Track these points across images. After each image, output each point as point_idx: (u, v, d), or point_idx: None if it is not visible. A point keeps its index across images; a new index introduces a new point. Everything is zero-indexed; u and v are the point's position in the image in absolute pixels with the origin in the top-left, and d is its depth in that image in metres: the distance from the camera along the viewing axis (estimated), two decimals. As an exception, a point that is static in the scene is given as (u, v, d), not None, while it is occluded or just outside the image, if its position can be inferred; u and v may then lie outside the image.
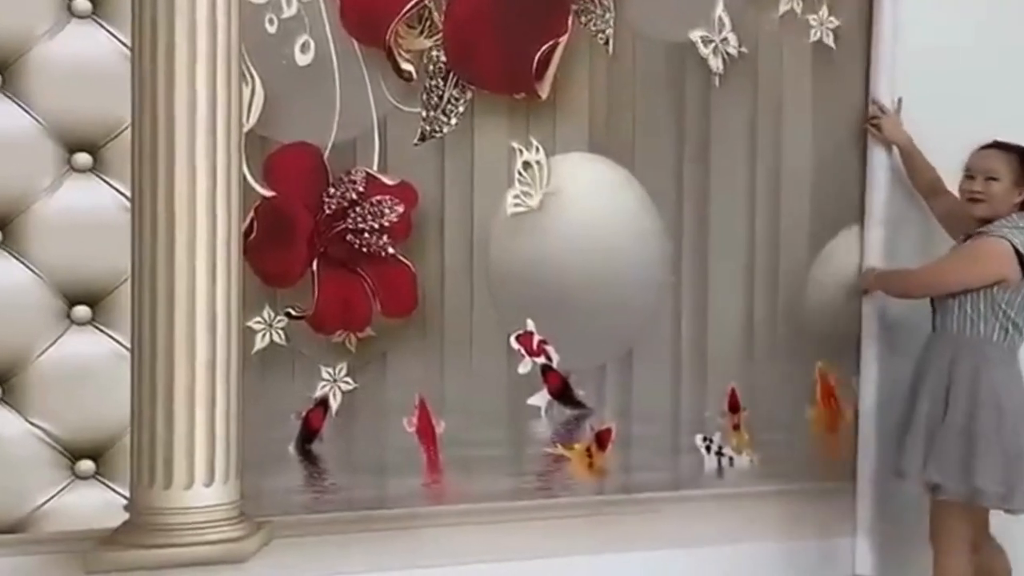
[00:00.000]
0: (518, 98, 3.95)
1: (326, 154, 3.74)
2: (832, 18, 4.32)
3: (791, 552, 4.31)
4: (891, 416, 4.20)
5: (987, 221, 3.91)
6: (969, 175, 3.96)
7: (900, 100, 4.32)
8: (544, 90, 3.96)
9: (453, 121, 3.88)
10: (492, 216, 3.96)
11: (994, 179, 3.90)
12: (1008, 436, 3.82)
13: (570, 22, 3.97)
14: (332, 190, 3.74)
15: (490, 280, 3.97)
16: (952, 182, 4.10)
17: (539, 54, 3.92)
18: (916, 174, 4.28)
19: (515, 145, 3.97)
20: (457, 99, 3.88)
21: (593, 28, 4.04)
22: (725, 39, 4.20)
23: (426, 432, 3.91)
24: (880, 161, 4.36)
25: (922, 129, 4.27)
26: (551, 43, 3.93)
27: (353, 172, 3.76)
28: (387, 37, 3.76)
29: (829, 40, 4.33)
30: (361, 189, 3.76)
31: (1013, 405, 3.84)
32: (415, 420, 3.90)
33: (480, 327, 3.97)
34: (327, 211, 3.74)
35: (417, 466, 3.92)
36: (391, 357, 3.87)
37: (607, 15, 4.04)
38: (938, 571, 3.95)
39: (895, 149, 4.32)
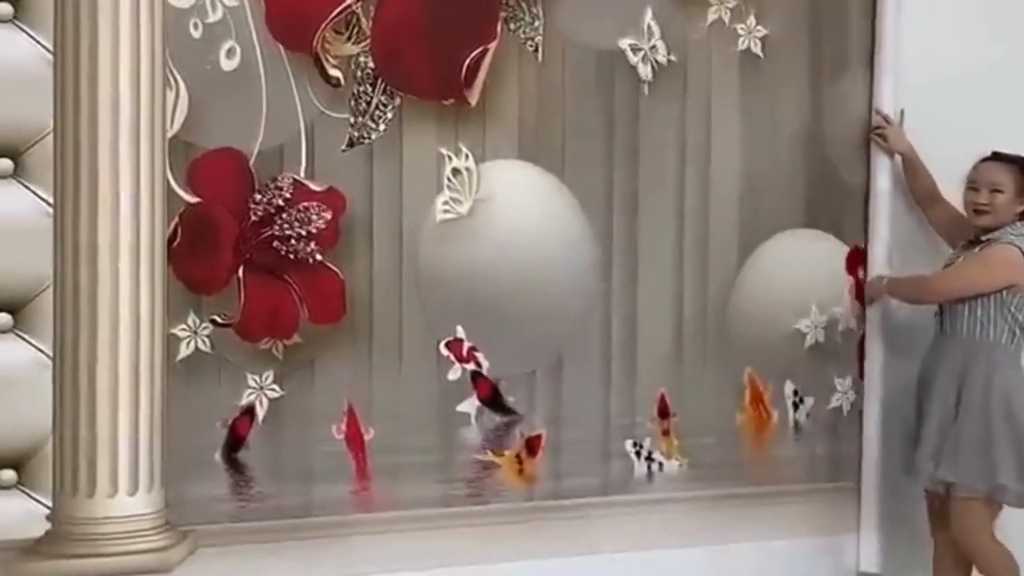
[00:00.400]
0: (447, 104, 3.94)
1: (252, 160, 3.71)
2: (760, 27, 4.36)
3: (720, 556, 4.35)
4: (894, 417, 4.40)
5: (989, 231, 4.09)
6: (973, 187, 4.16)
7: (903, 111, 4.45)
8: (473, 97, 3.95)
9: (381, 127, 3.87)
10: (421, 223, 3.96)
11: (998, 191, 4.09)
12: (1020, 436, 4.02)
13: (499, 29, 3.97)
14: (258, 196, 3.71)
15: (419, 287, 3.96)
16: (951, 190, 4.30)
17: (468, 60, 3.92)
18: (916, 183, 4.45)
19: (444, 151, 3.96)
20: (385, 105, 3.87)
21: (522, 35, 4.04)
22: (654, 47, 4.22)
23: (355, 439, 3.90)
24: (883, 171, 4.49)
25: (923, 139, 4.42)
26: (480, 50, 3.93)
27: (280, 178, 3.74)
28: (314, 43, 3.74)
29: (757, 49, 4.36)
30: (288, 195, 3.73)
31: (1021, 405, 4.05)
32: (343, 427, 3.88)
33: (409, 334, 3.96)
34: (253, 217, 3.71)
35: (346, 473, 3.90)
36: (319, 364, 3.85)
37: (536, 22, 4.05)
38: (980, 562, 4.13)
39: (897, 158, 4.47)
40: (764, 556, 4.39)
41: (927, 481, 4.14)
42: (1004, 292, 4.05)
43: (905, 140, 4.43)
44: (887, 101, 4.48)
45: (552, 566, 4.12)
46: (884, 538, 4.51)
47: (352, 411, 3.88)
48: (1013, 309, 4.06)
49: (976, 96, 4.45)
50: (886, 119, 4.45)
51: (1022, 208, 4.13)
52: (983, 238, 4.12)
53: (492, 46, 3.95)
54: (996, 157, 4.15)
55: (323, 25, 3.74)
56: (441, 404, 4.01)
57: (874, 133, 4.47)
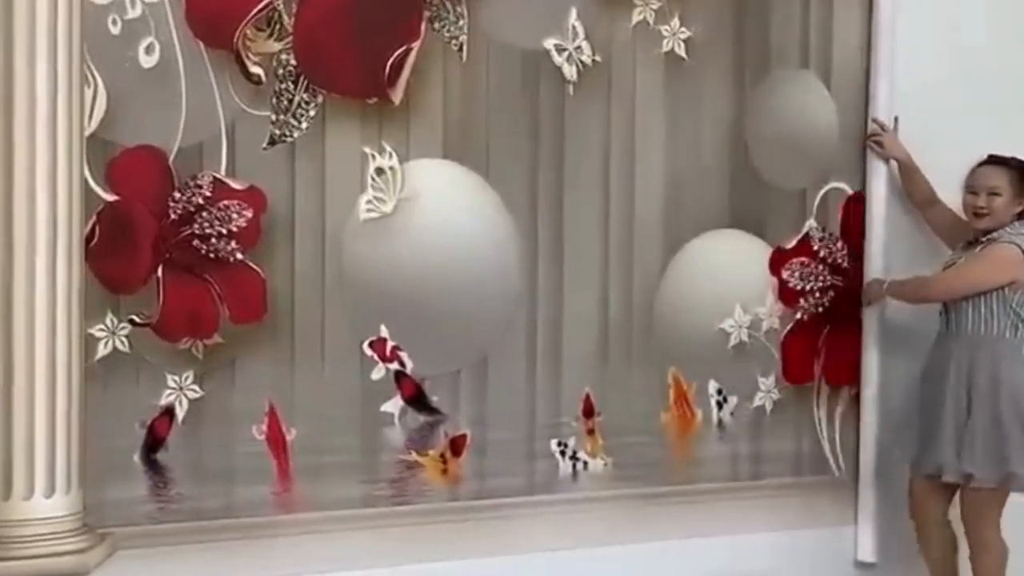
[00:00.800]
0: (370, 103, 3.93)
1: (172, 158, 3.68)
2: (684, 29, 4.38)
3: (644, 554, 4.37)
4: (892, 411, 4.61)
5: (989, 232, 4.27)
6: (972, 191, 4.34)
7: (897, 119, 4.61)
8: (397, 95, 3.94)
9: (304, 125, 3.85)
10: (344, 222, 3.94)
11: (996, 194, 4.27)
12: None
13: (423, 27, 3.96)
14: (178, 195, 3.68)
15: (342, 286, 3.95)
16: (945, 195, 4.51)
17: (392, 59, 3.90)
18: (914, 188, 4.62)
19: (368, 150, 3.95)
20: (308, 103, 3.85)
21: (447, 34, 4.04)
22: (579, 48, 4.23)
23: (276, 440, 3.87)
24: (879, 176, 4.61)
25: (916, 144, 4.56)
26: (404, 48, 3.92)
27: (200, 176, 3.71)
28: (235, 40, 3.71)
29: (681, 50, 4.39)
30: (208, 194, 3.70)
31: None
32: (265, 428, 3.86)
33: (332, 333, 3.94)
34: (173, 216, 3.67)
35: (267, 474, 3.88)
36: (240, 364, 3.82)
37: (461, 21, 4.05)
38: (980, 550, 4.30)
39: (893, 164, 4.63)
40: (687, 554, 4.42)
41: (952, 475, 4.26)
42: (1006, 289, 4.22)
43: (901, 146, 4.57)
44: (882, 109, 4.61)
45: (477, 566, 4.12)
46: (880, 529, 4.68)
47: (273, 411, 3.86)
48: (1015, 305, 4.24)
49: (968, 100, 4.66)
50: (882, 127, 4.59)
51: (1020, 208, 4.30)
52: (983, 238, 4.29)
53: (416, 45, 3.94)
54: (992, 160, 4.32)
55: (244, 22, 3.72)
56: (364, 404, 4.00)
57: (870, 140, 4.61)
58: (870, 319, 4.63)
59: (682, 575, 4.37)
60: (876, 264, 4.61)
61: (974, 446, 4.20)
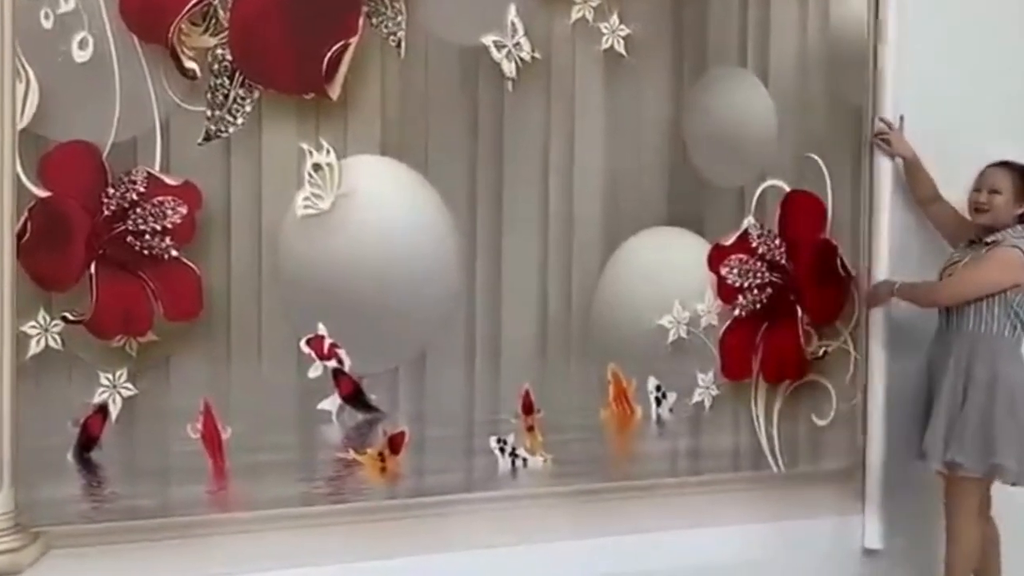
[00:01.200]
0: (307, 99, 3.91)
1: (105, 153, 3.65)
2: (623, 26, 4.39)
3: (587, 550, 4.38)
4: (899, 405, 4.75)
5: (989, 229, 4.45)
6: (976, 188, 4.52)
7: (903, 118, 4.73)
8: (334, 91, 3.92)
9: (239, 121, 3.83)
10: (281, 218, 3.92)
11: (997, 192, 4.45)
12: (1021, 420, 4.36)
13: (361, 23, 3.94)
14: (111, 190, 3.64)
15: (279, 283, 3.93)
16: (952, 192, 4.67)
17: (329, 54, 3.88)
18: (918, 186, 4.77)
19: (304, 146, 3.93)
20: (244, 98, 3.82)
21: (385, 30, 4.02)
22: (518, 44, 4.23)
23: (211, 438, 3.84)
24: (885, 175, 4.74)
25: (923, 144, 4.69)
26: (341, 44, 3.90)
27: (134, 172, 3.67)
28: (170, 34, 3.68)
29: (620, 47, 4.40)
30: (142, 189, 3.67)
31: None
32: (200, 426, 3.83)
33: (269, 331, 3.92)
34: (106, 212, 3.64)
35: (203, 473, 3.85)
36: (175, 362, 3.79)
37: (399, 17, 4.04)
38: (953, 537, 4.48)
39: (898, 161, 4.77)
40: (627, 549, 4.43)
41: (937, 463, 4.41)
42: (1007, 292, 4.37)
43: (907, 145, 4.70)
44: (888, 107, 4.71)
45: (416, 563, 4.11)
46: (887, 517, 4.81)
47: (209, 410, 3.83)
48: (1015, 306, 4.39)
49: (972, 99, 4.78)
50: (888, 125, 4.70)
51: (1021, 210, 4.45)
52: (987, 240, 4.44)
53: (353, 40, 3.92)
54: (1001, 164, 4.49)
55: (179, 16, 3.69)
56: (301, 402, 3.98)
57: (877, 138, 4.73)
58: (876, 317, 4.76)
59: (621, 571, 4.38)
60: (882, 265, 4.73)
61: (963, 436, 4.35)
